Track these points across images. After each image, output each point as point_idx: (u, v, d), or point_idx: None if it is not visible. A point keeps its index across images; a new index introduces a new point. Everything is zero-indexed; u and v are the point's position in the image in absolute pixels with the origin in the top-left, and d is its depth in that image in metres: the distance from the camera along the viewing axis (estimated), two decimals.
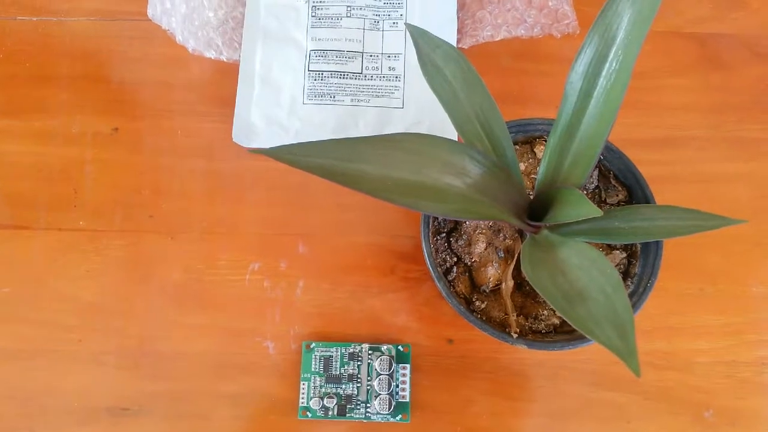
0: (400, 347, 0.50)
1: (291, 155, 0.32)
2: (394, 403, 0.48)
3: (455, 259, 0.41)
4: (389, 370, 0.48)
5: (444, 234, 0.41)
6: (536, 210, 0.37)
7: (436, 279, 0.38)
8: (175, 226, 0.53)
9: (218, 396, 0.49)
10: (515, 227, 0.41)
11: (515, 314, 0.40)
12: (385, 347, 0.50)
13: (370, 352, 0.50)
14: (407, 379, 0.49)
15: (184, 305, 0.51)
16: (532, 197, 0.38)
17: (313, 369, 0.49)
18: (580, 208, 0.32)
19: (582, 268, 0.29)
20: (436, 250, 0.41)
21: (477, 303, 0.41)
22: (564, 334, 0.40)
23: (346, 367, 0.49)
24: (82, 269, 0.52)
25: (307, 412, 0.49)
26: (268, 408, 0.49)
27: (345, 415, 0.48)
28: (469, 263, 0.41)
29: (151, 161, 0.54)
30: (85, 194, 0.54)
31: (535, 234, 0.38)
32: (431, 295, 0.52)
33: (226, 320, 0.51)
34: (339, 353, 0.50)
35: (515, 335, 0.39)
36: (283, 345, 0.51)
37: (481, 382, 0.50)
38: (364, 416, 0.48)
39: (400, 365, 0.49)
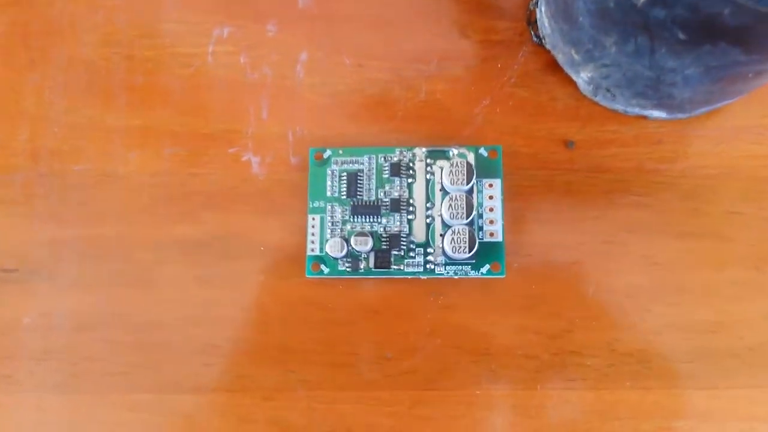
0: (482, 150, 0.28)
1: None
2: (476, 244, 0.26)
3: None
4: (467, 185, 0.27)
5: None
6: None
7: None
8: None
9: (167, 245, 0.28)
10: None
11: None
12: (456, 151, 0.28)
13: (429, 160, 0.28)
14: (498, 204, 0.27)
15: (104, 97, 0.30)
16: None
17: (328, 193, 0.28)
18: None
19: None
20: None
21: None
22: None
23: (387, 187, 0.28)
24: None
25: (322, 266, 0.27)
26: (254, 263, 0.28)
27: (389, 269, 0.27)
28: None
29: None
30: None
31: None
32: (533, 68, 0.29)
33: (177, 120, 0.30)
34: (373, 164, 0.28)
35: None
36: (275, 157, 0.29)
37: (630, 210, 0.28)
38: (422, 269, 0.27)
39: (486, 181, 0.28)
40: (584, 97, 0.29)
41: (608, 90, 0.27)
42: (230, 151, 0.29)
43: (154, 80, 0.30)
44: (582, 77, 0.28)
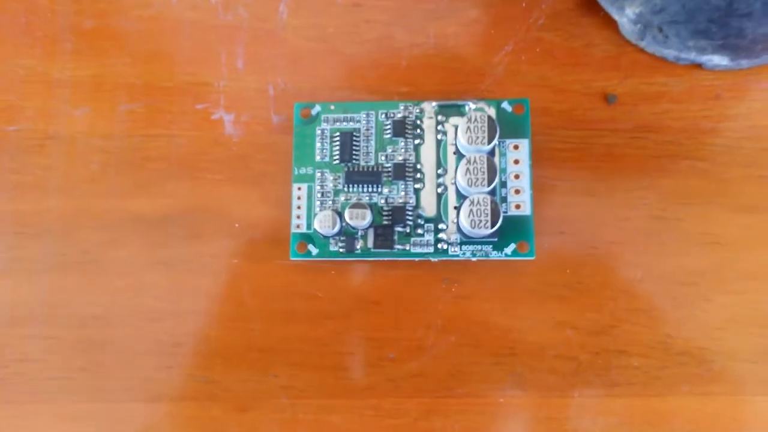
0: (506, 104, 0.23)
1: None
2: (500, 220, 0.21)
3: None
4: (488, 144, 0.21)
5: None
6: None
7: None
8: None
9: (121, 222, 0.23)
10: None
11: None
12: (474, 105, 0.23)
13: (440, 117, 0.23)
14: (526, 169, 0.22)
15: (47, 43, 0.25)
16: None
17: (317, 157, 0.23)
18: None
19: None
20: None
21: None
22: None
23: (389, 150, 0.23)
24: None
25: (309, 246, 0.22)
26: (227, 243, 0.23)
27: (392, 249, 0.22)
28: None
29: None
30: None
31: None
32: (565, 8, 0.24)
33: (135, 71, 0.25)
34: (372, 122, 0.23)
35: None
36: (253, 115, 0.24)
37: (683, 178, 0.23)
38: (432, 249, 0.22)
39: (510, 142, 0.23)
40: (627, 41, 0.24)
41: (660, 29, 0.22)
42: (198, 107, 0.24)
43: (107, 23, 0.25)
44: (627, 15, 0.22)
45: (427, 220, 0.22)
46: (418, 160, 0.23)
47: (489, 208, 0.21)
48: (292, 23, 0.25)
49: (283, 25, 0.25)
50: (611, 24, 0.24)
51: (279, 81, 0.24)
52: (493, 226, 0.21)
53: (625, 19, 0.23)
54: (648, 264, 0.23)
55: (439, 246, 0.22)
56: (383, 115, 0.23)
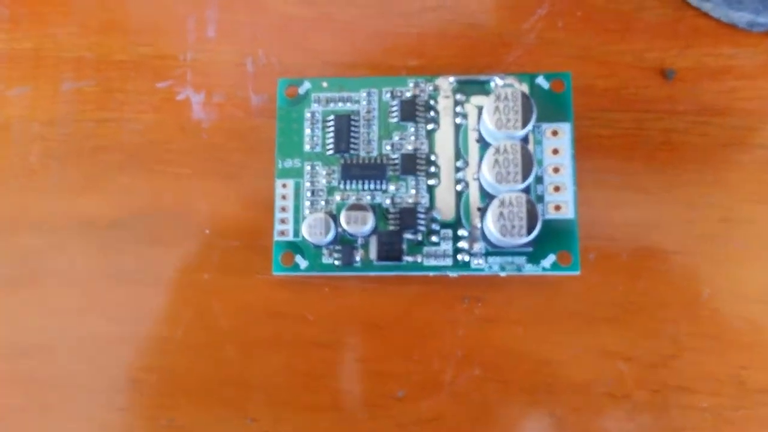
0: (541, 80, 0.18)
1: None
2: (538, 224, 0.16)
3: None
4: (522, 129, 0.17)
5: None
6: None
7: None
8: None
9: (65, 225, 0.19)
10: None
11: None
12: (502, 80, 0.18)
13: (460, 96, 0.19)
14: (568, 161, 0.18)
15: None
16: None
17: (307, 146, 0.18)
18: None
19: None
20: None
21: None
22: None
23: (395, 138, 0.18)
24: None
25: (297, 257, 0.18)
26: (196, 253, 0.19)
27: (399, 261, 0.18)
28: None
29: None
30: None
31: None
32: None
33: (83, 42, 0.20)
34: (375, 103, 0.19)
35: None
36: (228, 95, 0.20)
37: (758, 171, 0.19)
38: (450, 261, 0.18)
39: (547, 127, 0.18)
40: (688, 4, 0.19)
41: None
42: (160, 86, 0.20)
43: None
44: None
45: (444, 225, 0.18)
46: (432, 150, 0.18)
47: (524, 209, 0.16)
48: None
49: None
50: None
51: (259, 53, 0.20)
52: (529, 233, 0.16)
53: None
54: (716, 278, 0.18)
55: (459, 257, 0.18)
56: (388, 94, 0.18)
